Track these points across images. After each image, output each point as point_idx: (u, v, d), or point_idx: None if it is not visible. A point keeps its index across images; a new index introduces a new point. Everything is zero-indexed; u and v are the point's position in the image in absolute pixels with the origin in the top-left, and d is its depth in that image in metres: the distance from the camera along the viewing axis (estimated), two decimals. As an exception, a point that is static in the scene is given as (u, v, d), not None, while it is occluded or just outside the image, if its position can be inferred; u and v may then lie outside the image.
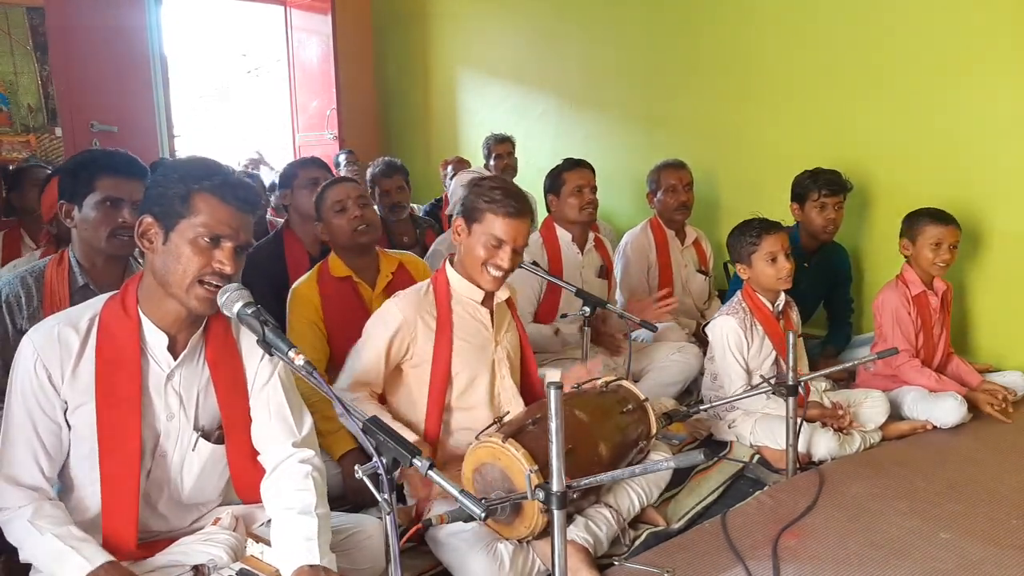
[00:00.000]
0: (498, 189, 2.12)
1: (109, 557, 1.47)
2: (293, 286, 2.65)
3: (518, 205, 2.11)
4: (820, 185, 3.35)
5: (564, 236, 3.33)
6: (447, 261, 2.23)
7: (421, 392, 2.16)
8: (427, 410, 2.15)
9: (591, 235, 3.41)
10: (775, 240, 2.70)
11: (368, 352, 2.14)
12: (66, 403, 1.56)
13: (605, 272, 3.41)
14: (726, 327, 2.74)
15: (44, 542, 1.47)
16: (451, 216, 2.19)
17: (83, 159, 2.15)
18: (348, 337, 2.27)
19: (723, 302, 3.42)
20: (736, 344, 2.72)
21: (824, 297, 3.62)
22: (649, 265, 3.67)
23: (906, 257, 3.07)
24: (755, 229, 2.74)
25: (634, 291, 3.64)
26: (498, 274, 2.12)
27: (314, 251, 3.14)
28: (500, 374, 2.24)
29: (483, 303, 2.20)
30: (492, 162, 4.86)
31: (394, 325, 2.11)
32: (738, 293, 2.83)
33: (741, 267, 2.79)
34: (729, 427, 2.79)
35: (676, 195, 3.66)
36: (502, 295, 2.24)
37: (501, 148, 4.87)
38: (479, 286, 2.17)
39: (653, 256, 3.69)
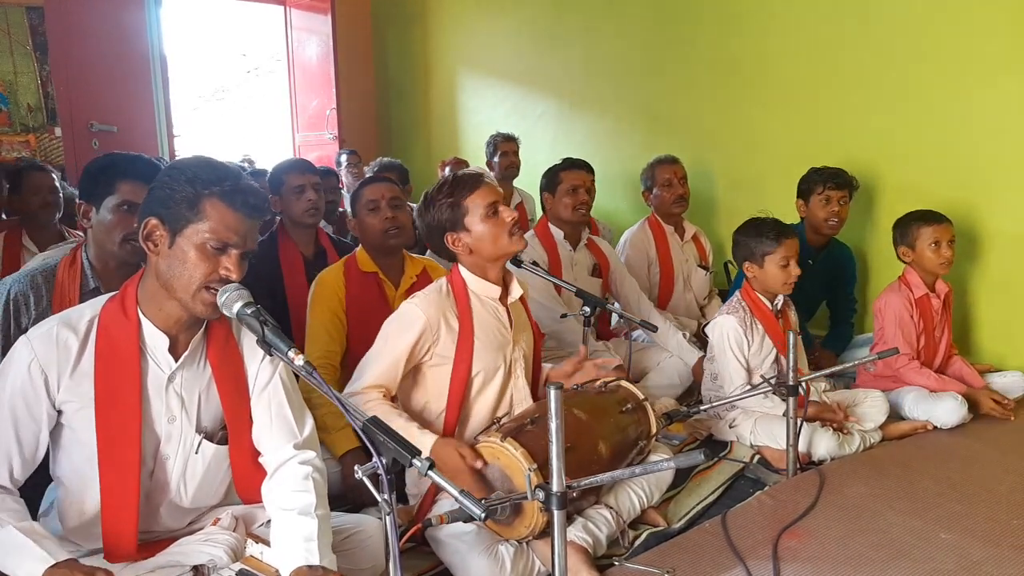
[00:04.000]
0: (444, 187, 2.14)
1: (69, 555, 1.44)
2: (319, 275, 2.66)
3: (473, 178, 2.13)
4: (825, 179, 3.36)
5: (557, 234, 3.35)
6: (457, 264, 2.19)
7: (438, 391, 2.14)
8: (447, 411, 2.12)
9: (584, 234, 3.42)
10: (792, 245, 2.70)
11: (388, 355, 2.07)
12: (61, 408, 1.55)
13: (599, 271, 3.41)
14: (726, 326, 2.74)
15: (4, 533, 1.43)
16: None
17: (106, 162, 2.15)
18: (367, 330, 2.25)
19: (724, 301, 3.42)
20: (736, 342, 2.72)
21: (827, 297, 3.62)
22: (649, 262, 3.69)
23: (908, 263, 3.07)
24: (772, 231, 2.71)
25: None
26: (519, 228, 2.11)
27: (308, 252, 3.14)
28: (515, 374, 2.22)
29: (500, 300, 2.18)
30: (497, 159, 4.83)
31: (418, 328, 2.06)
32: (737, 292, 2.83)
33: (750, 265, 2.75)
34: (730, 427, 2.79)
35: (672, 189, 3.68)
36: (516, 292, 2.22)
37: (508, 147, 4.85)
38: (510, 257, 2.16)
39: (653, 252, 3.70)
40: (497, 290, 2.17)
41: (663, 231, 3.73)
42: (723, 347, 2.74)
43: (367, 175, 4.08)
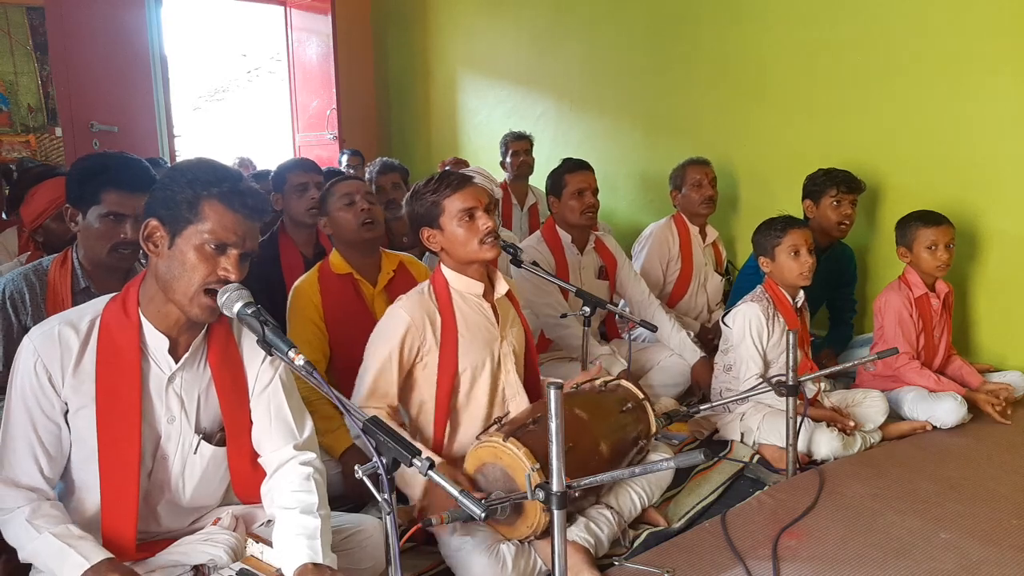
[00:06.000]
0: (431, 182, 2.14)
1: (107, 554, 1.46)
2: (294, 284, 2.64)
3: (458, 178, 2.14)
4: (837, 181, 3.35)
5: (564, 237, 3.33)
6: (440, 263, 2.21)
7: (430, 392, 2.15)
8: (435, 409, 2.14)
9: (592, 236, 3.41)
10: (799, 234, 2.74)
11: (379, 361, 2.09)
12: (67, 405, 1.55)
13: (605, 273, 3.41)
14: (749, 313, 2.76)
15: (43, 541, 1.46)
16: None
17: (93, 166, 2.12)
18: (348, 335, 2.26)
19: (727, 306, 3.41)
20: (758, 330, 2.74)
21: (829, 296, 3.62)
22: (670, 258, 3.71)
23: (906, 263, 3.07)
24: (780, 223, 2.78)
25: (649, 281, 3.62)
26: (492, 238, 2.10)
27: (308, 252, 3.14)
28: (505, 369, 2.22)
29: (484, 297, 2.19)
30: (508, 159, 4.81)
31: (402, 329, 2.08)
32: (759, 286, 2.85)
33: (764, 260, 2.81)
34: (741, 419, 2.79)
35: (702, 190, 3.70)
36: (501, 289, 2.22)
37: (518, 145, 4.81)
38: (482, 263, 2.15)
39: (676, 249, 3.72)
40: (480, 286, 2.17)
41: (687, 231, 3.74)
42: (743, 334, 2.75)
43: (367, 173, 4.09)
